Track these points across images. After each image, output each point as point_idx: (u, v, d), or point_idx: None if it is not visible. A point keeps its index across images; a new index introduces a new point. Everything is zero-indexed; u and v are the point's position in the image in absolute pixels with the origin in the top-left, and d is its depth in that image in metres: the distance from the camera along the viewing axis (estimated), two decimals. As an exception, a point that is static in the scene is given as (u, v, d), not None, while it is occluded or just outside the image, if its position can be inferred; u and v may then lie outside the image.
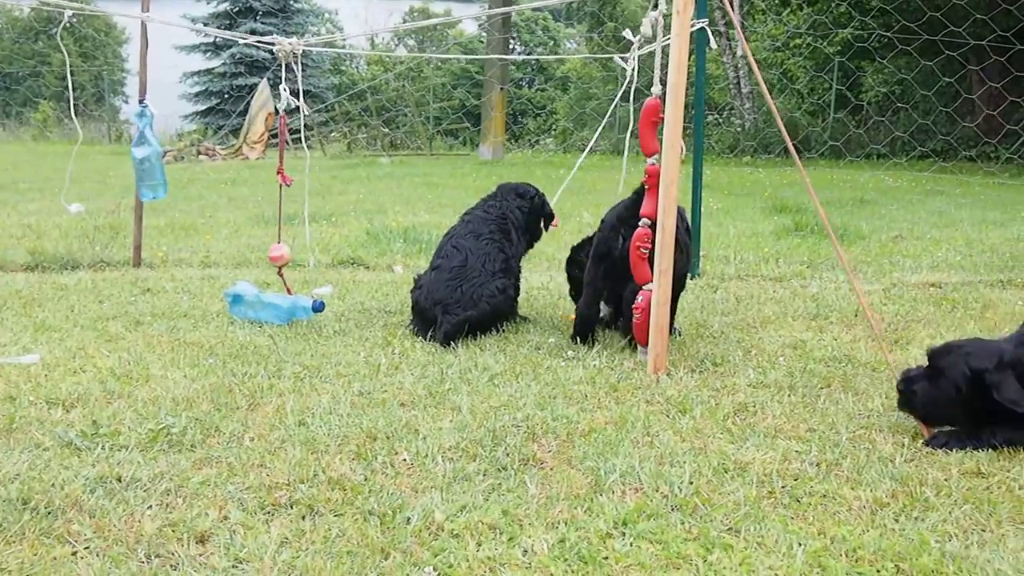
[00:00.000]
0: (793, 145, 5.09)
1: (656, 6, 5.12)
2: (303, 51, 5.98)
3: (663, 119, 4.83)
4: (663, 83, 4.90)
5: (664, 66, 4.91)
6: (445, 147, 31.37)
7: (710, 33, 6.61)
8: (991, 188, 17.19)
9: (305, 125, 29.46)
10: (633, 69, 5.75)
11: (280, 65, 5.96)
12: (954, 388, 3.83)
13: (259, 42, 5.99)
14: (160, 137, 28.85)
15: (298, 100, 5.81)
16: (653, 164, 5.01)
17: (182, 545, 2.89)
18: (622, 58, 5.99)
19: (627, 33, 5.58)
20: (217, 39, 38.35)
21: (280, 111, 6.02)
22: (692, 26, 6.21)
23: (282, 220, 6.40)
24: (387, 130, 30.36)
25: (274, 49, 5.93)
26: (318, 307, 5.88)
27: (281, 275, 6.19)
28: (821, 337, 5.62)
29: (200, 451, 3.68)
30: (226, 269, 7.91)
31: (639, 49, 5.63)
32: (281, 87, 5.90)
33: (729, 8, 5.73)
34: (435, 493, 3.27)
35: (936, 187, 17.05)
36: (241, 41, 6.22)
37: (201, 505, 3.17)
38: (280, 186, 6.11)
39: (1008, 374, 3.75)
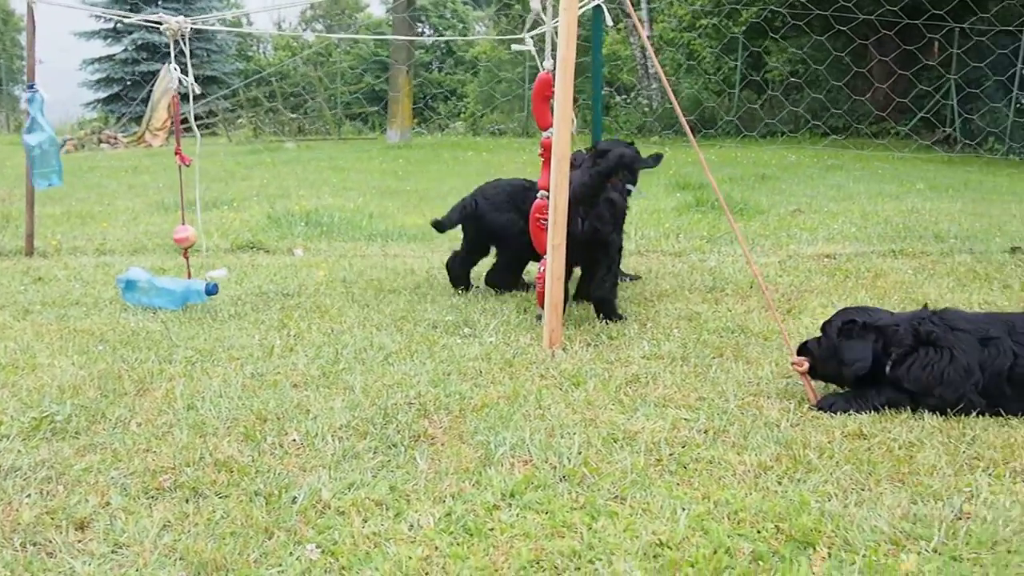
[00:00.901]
0: (699, 123, 5.16)
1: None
2: (201, 33, 5.89)
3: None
4: (555, 58, 4.90)
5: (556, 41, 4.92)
6: (354, 131, 31.11)
7: (606, 10, 6.63)
8: (888, 162, 17.56)
9: (210, 111, 29.08)
10: (532, 50, 5.77)
11: (171, 45, 5.86)
12: (829, 342, 4.02)
13: (146, 22, 5.88)
14: (62, 126, 27.91)
15: (186, 76, 5.72)
16: (547, 137, 5.04)
17: (60, 532, 2.83)
18: (519, 44, 6.00)
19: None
20: (117, 25, 37.46)
21: (174, 91, 5.93)
22: (587, 3, 6.27)
23: (184, 204, 6.28)
24: (294, 115, 30.00)
25: (161, 28, 5.82)
26: (212, 290, 5.80)
27: (186, 257, 6.09)
28: (716, 309, 5.69)
29: (84, 438, 3.60)
30: (122, 256, 7.76)
31: (531, 30, 5.64)
32: (171, 67, 5.80)
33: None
34: (323, 472, 3.25)
35: (836, 162, 17.35)
36: (126, 20, 6.10)
37: (82, 492, 3.11)
38: (180, 168, 6.02)
39: (867, 336, 3.91)
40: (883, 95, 22.07)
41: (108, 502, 3.04)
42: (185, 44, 5.78)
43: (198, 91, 5.91)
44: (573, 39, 4.70)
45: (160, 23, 5.80)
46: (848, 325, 3.99)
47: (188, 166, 6.00)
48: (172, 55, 5.80)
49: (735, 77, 26.57)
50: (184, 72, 5.75)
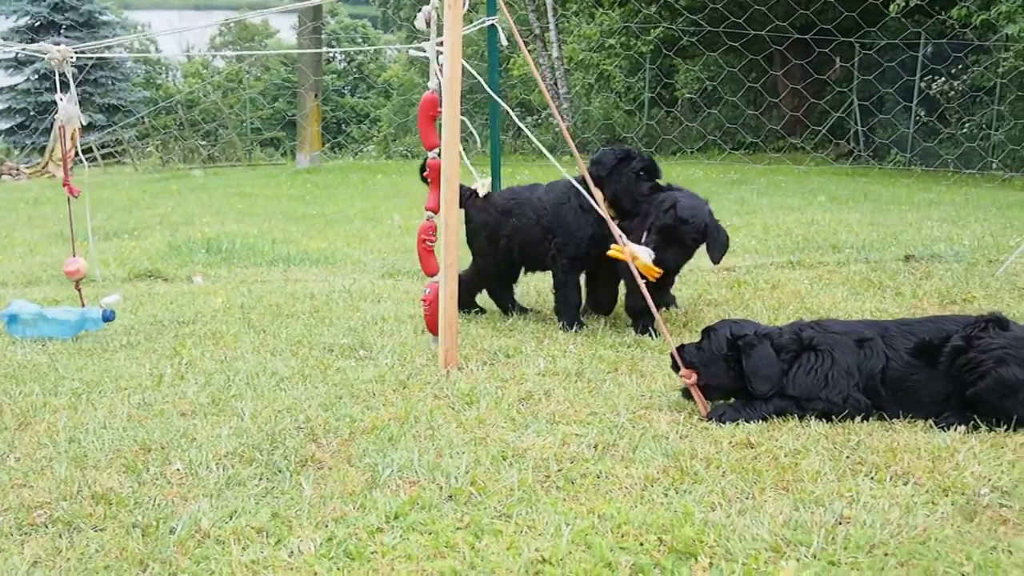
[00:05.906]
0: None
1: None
2: (106, 61, 5.78)
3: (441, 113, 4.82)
4: (440, 77, 4.88)
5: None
6: (264, 157, 30.86)
7: (500, 30, 6.64)
8: (792, 176, 17.84)
9: (116, 140, 28.57)
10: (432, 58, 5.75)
11: (56, 75, 5.74)
12: (719, 351, 4.04)
13: (27, 50, 5.76)
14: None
15: (72, 106, 5.61)
16: (434, 158, 5.00)
17: (-76, 574, 2.74)
18: (417, 50, 5.97)
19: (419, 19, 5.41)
20: (19, 54, 36.65)
21: (58, 122, 5.80)
22: (482, 22, 6.28)
23: (75, 235, 6.13)
24: (204, 143, 29.65)
25: (45, 58, 5.69)
26: (108, 316, 5.69)
27: (78, 289, 5.97)
28: (613, 323, 5.73)
29: (-43, 476, 3.49)
30: (15, 288, 7.56)
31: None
32: (57, 96, 5.69)
33: (504, 9, 5.73)
34: (204, 501, 3.18)
35: (740, 177, 17.57)
36: (9, 50, 5.97)
37: (-49, 531, 3.01)
38: (68, 199, 5.90)
39: (764, 344, 3.95)
40: (786, 112, 22.51)
41: (-23, 541, 2.94)
42: (69, 74, 5.65)
43: (84, 122, 5.79)
44: (458, 59, 4.69)
45: (43, 52, 5.66)
46: (746, 339, 4.02)
47: (77, 197, 5.89)
48: (58, 85, 5.68)
49: (644, 96, 26.87)
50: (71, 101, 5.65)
